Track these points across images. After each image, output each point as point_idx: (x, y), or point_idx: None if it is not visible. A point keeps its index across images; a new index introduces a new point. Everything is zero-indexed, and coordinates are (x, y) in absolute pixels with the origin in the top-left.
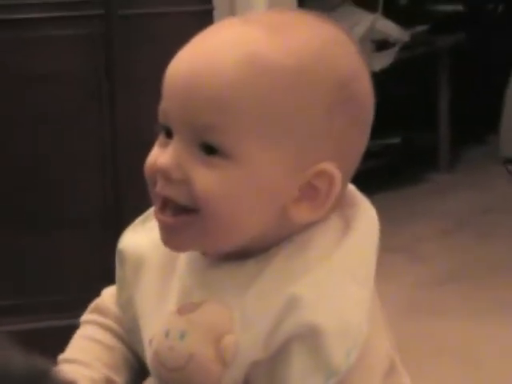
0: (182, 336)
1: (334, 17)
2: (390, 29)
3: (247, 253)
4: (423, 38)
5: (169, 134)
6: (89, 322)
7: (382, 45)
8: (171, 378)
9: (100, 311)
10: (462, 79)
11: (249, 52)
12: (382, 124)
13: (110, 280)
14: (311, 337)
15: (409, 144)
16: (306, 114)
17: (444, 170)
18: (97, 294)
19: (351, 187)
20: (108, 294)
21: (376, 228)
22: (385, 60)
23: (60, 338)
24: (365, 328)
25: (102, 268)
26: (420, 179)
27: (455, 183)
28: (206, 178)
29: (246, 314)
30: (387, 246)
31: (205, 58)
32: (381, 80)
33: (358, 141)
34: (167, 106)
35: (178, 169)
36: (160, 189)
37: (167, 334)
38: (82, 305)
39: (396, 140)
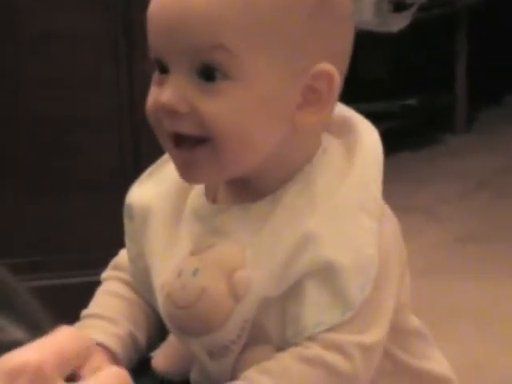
0: (195, 273)
1: None
2: None
3: (255, 195)
4: None
5: (163, 70)
6: (110, 278)
7: (399, 6)
8: (183, 316)
9: (119, 267)
10: (479, 41)
11: None
12: (398, 85)
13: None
14: (327, 272)
15: (425, 105)
16: (292, 18)
17: (460, 131)
18: (115, 252)
19: (349, 110)
20: (123, 254)
21: (379, 153)
22: (402, 21)
23: (84, 294)
24: (377, 260)
25: (121, 227)
26: (436, 140)
27: (472, 144)
28: (212, 106)
29: (259, 252)
30: (405, 206)
31: None
32: (398, 41)
33: (345, 37)
34: (158, 37)
35: (183, 102)
36: (169, 126)
37: (180, 274)
38: (100, 262)
39: (412, 101)
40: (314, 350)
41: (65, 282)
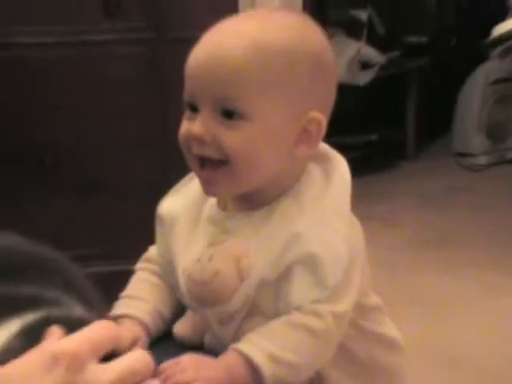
0: (210, 259)
1: (329, 44)
2: (371, 53)
3: (256, 205)
4: (396, 61)
5: (193, 109)
6: (141, 269)
7: (365, 65)
8: (201, 292)
9: (148, 261)
10: (425, 92)
11: (249, 39)
12: (363, 124)
13: (152, 236)
14: (310, 262)
15: (383, 139)
16: (296, 78)
17: (410, 159)
18: (145, 246)
19: (326, 146)
20: (153, 249)
21: (348, 177)
22: (367, 77)
23: (121, 281)
24: (347, 254)
25: (150, 226)
26: (392, 166)
27: (419, 169)
28: (230, 137)
29: (259, 246)
30: (368, 215)
31: (218, 46)
32: (364, 91)
33: (332, 93)
34: (192, 86)
35: (208, 133)
36: (197, 150)
37: (199, 260)
38: (135, 255)
39: (374, 136)
40: (297, 316)
41: (110, 269)
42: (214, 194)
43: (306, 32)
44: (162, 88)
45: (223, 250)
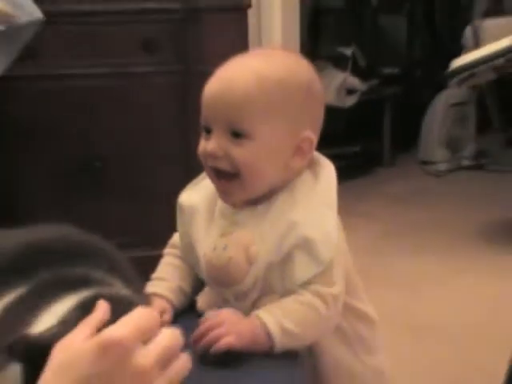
0: (224, 248)
1: (320, 75)
2: (354, 82)
3: (258, 201)
4: (375, 88)
5: (208, 131)
6: (167, 253)
7: (350, 91)
8: (218, 274)
9: (173, 246)
10: (398, 113)
11: (253, 74)
12: (348, 137)
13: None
14: (306, 244)
15: (364, 150)
16: (291, 105)
17: (386, 166)
18: (170, 235)
19: (316, 153)
20: (176, 235)
21: (334, 175)
22: (351, 101)
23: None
24: (336, 236)
25: (174, 222)
26: (371, 172)
27: (393, 175)
28: (238, 152)
29: (263, 234)
30: (351, 211)
31: (227, 80)
32: (349, 112)
33: (321, 113)
34: (207, 113)
35: (220, 149)
36: (212, 163)
37: (215, 248)
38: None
39: (357, 148)
40: (306, 296)
41: (146, 254)
42: (230, 202)
43: (299, 68)
44: (186, 113)
45: (234, 240)
